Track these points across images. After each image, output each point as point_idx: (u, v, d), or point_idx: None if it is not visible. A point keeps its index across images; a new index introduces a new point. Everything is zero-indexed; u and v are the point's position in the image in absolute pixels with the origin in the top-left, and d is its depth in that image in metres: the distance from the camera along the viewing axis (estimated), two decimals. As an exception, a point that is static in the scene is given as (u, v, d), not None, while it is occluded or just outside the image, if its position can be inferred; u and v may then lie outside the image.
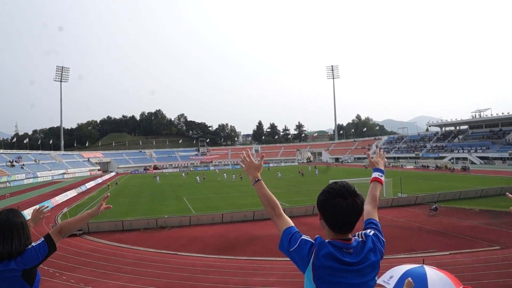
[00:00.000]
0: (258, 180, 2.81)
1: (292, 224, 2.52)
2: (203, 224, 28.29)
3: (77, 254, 20.96)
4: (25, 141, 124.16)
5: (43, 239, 2.95)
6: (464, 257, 18.07)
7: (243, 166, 2.99)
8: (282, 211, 2.64)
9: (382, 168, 3.17)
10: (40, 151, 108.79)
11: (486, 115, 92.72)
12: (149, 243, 23.42)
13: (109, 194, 3.72)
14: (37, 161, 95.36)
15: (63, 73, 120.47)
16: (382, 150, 3.55)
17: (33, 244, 2.92)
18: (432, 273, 4.89)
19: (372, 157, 3.28)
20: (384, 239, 2.51)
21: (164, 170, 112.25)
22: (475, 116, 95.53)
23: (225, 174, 74.42)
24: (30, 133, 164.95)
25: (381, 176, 3.09)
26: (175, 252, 21.09)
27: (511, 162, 72.27)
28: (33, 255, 2.83)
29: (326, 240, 2.31)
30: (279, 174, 70.94)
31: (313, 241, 2.31)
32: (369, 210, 2.75)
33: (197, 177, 67.92)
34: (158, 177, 75.38)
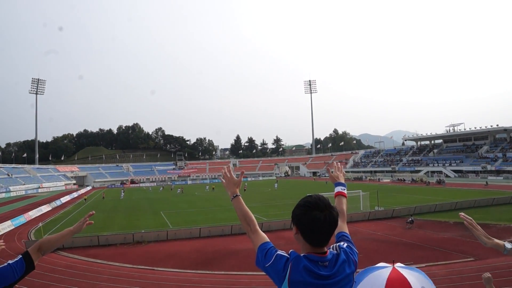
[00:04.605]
0: (236, 196, 2.80)
1: (267, 239, 2.52)
2: (180, 238, 27.93)
3: (51, 270, 20.37)
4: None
5: (20, 256, 2.74)
6: (439, 269, 18.32)
7: (223, 181, 2.96)
8: (258, 227, 2.63)
9: (343, 181, 3.26)
10: (13, 165, 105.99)
11: (459, 130, 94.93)
12: (125, 258, 22.99)
13: (94, 211, 3.61)
14: (10, 175, 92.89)
15: (38, 85, 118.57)
16: (339, 163, 3.64)
17: (10, 261, 2.68)
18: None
19: (332, 172, 3.35)
20: (357, 250, 2.56)
21: (141, 185, 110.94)
22: (449, 131, 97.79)
23: (207, 187, 75.38)
24: (3, 146, 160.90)
25: (344, 189, 3.18)
26: (151, 268, 20.74)
27: (484, 175, 73.97)
28: (8, 273, 2.59)
29: (301, 254, 2.30)
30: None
31: (288, 256, 2.30)
32: (339, 224, 2.72)
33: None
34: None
